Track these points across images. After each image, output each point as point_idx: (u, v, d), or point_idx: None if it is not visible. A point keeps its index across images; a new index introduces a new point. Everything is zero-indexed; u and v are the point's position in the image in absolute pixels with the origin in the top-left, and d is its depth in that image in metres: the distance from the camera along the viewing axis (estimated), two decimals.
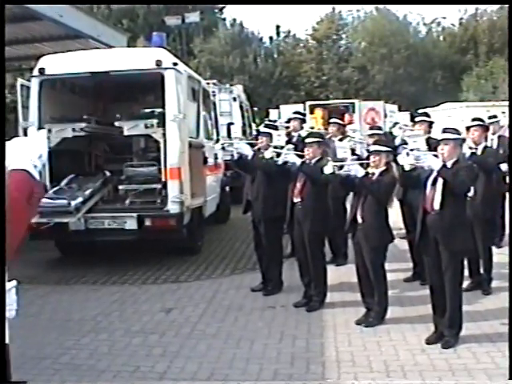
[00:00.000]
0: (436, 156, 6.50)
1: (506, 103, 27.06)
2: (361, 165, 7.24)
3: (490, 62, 46.45)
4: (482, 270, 8.58)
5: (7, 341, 2.46)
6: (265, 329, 7.24)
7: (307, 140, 8.09)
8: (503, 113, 19.77)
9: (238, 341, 6.86)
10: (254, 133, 16.79)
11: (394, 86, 46.98)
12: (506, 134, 10.82)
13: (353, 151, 8.17)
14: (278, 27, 54.15)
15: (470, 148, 8.21)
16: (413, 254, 9.17)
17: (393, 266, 8.72)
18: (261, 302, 8.35)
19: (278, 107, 27.53)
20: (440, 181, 6.40)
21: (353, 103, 29.21)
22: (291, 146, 8.44)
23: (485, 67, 46.20)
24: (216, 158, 13.34)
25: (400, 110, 28.76)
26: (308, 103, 28.42)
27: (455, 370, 5.91)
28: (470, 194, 7.27)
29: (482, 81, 45.11)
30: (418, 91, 45.86)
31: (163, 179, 10.28)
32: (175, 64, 10.29)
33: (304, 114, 13.35)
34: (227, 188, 14.88)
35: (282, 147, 8.37)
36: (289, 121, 11.71)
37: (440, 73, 48.46)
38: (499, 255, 9.27)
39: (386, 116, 27.41)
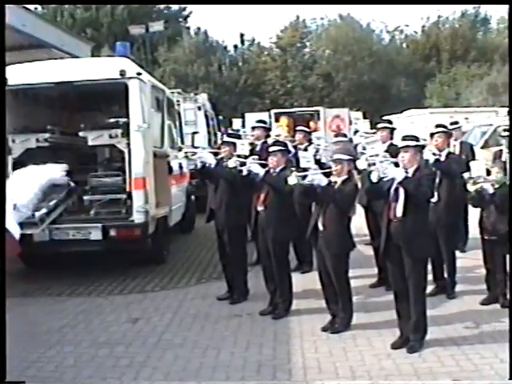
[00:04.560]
0: (397, 164, 6.58)
1: (469, 109, 27.51)
2: (324, 173, 7.29)
3: (452, 68, 47.02)
4: (445, 275, 8.66)
5: None
6: (231, 337, 7.25)
7: (271, 149, 8.11)
8: (466, 119, 20.04)
9: (205, 350, 6.86)
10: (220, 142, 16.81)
11: (358, 93, 47.32)
12: (469, 139, 10.98)
13: (318, 161, 8.23)
14: (242, 35, 54.33)
15: (434, 154, 8.30)
16: (378, 259, 9.24)
17: (358, 272, 8.79)
18: (227, 311, 8.35)
19: (243, 115, 27.57)
20: (402, 190, 6.47)
21: (318, 111, 29.32)
22: (255, 156, 8.46)
23: (448, 74, 46.76)
24: (181, 167, 13.30)
25: (365, 117, 29.04)
26: (273, 111, 28.49)
27: (421, 374, 5.99)
28: (434, 199, 7.36)
29: (445, 87, 45.66)
30: (382, 98, 46.33)
31: (128, 189, 10.23)
32: (139, 74, 10.26)
33: (267, 122, 13.38)
34: (192, 197, 14.85)
35: (245, 156, 8.40)
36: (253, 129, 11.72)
37: (403, 80, 48.90)
38: (462, 259, 9.37)
39: (350, 123, 27.58)
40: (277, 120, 26.47)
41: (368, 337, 7.04)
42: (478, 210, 8.17)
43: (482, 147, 18.46)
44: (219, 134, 20.16)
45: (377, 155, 6.61)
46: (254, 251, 10.15)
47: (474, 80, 43.77)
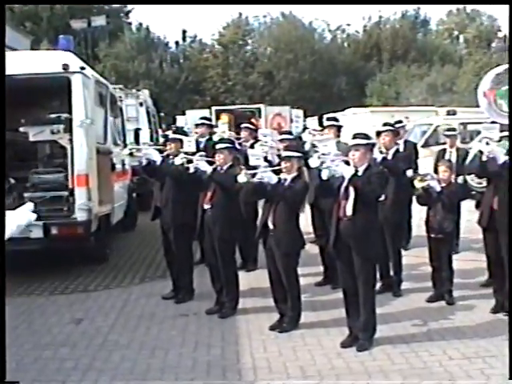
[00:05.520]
0: (347, 162, 6.56)
1: (410, 108, 27.87)
2: (273, 171, 7.24)
3: (392, 68, 47.68)
4: (391, 273, 8.70)
5: None
6: (179, 337, 7.14)
7: (218, 146, 8.01)
8: (406, 118, 20.23)
9: (152, 350, 6.74)
10: (162, 139, 16.62)
11: (299, 92, 47.57)
12: (411, 137, 11.07)
13: (265, 158, 8.16)
14: (184, 32, 54.13)
15: (381, 153, 8.32)
16: (324, 258, 9.24)
17: (303, 270, 8.71)
18: (173, 310, 8.23)
19: (184, 113, 27.39)
20: (352, 188, 6.45)
21: (259, 108, 29.38)
22: (203, 153, 8.35)
23: (388, 73, 47.41)
24: (123, 164, 13.09)
25: (305, 115, 29.17)
26: (214, 108, 28.43)
27: (371, 372, 5.99)
28: (381, 198, 7.37)
29: (385, 86, 46.32)
30: (323, 96, 46.68)
31: (70, 186, 10.00)
32: (83, 68, 10.04)
33: (211, 120, 13.27)
34: (134, 194, 14.64)
35: (192, 153, 8.28)
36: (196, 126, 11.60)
37: (344, 79, 49.38)
38: (407, 257, 9.42)
39: (291, 121, 27.67)
40: (217, 117, 26.41)
41: (317, 336, 7.02)
42: (420, 208, 8.23)
43: (423, 146, 18.72)
44: (160, 131, 19.99)
45: (329, 153, 6.55)
46: (197, 250, 10.03)
47: (413, 80, 44.54)
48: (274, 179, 7.14)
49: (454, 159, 10.46)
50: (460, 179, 8.53)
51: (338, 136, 8.87)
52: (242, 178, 7.03)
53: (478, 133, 17.87)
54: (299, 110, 30.21)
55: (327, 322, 7.46)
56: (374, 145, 7.15)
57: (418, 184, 7.86)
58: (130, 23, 54.00)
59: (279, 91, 48.60)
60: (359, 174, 6.49)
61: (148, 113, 18.85)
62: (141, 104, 18.41)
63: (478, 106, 18.98)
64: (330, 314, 7.71)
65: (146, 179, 10.76)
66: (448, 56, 50.72)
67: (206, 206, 7.93)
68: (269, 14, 54.26)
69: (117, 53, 47.27)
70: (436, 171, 8.13)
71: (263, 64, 50.54)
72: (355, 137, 6.71)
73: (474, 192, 10.07)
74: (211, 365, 6.27)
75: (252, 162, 7.51)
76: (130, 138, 14.35)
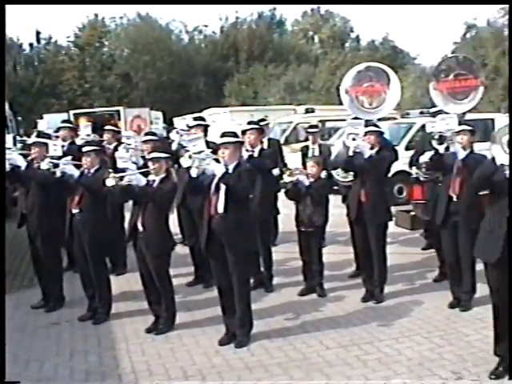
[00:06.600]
0: (218, 160, 6.60)
1: (269, 107, 28.30)
2: (141, 173, 7.18)
3: (250, 68, 48.24)
4: (262, 269, 8.81)
5: None
6: (53, 347, 6.95)
7: (84, 149, 7.86)
8: (266, 117, 20.55)
9: (27, 362, 6.54)
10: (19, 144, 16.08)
11: (157, 93, 47.29)
12: (271, 135, 11.21)
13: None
14: (38, 33, 52.45)
15: (247, 151, 8.41)
16: (194, 257, 9.25)
17: (174, 271, 8.72)
18: (44, 320, 8.00)
19: (41, 117, 26.64)
20: (223, 185, 6.50)
21: (118, 110, 28.96)
22: (69, 157, 8.14)
23: (245, 74, 47.92)
24: None
25: (165, 116, 29.13)
26: (72, 112, 27.82)
27: (252, 367, 6.08)
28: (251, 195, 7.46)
29: (243, 86, 46.77)
30: (182, 97, 46.64)
31: None
32: None
33: (73, 123, 13.01)
34: None
35: (58, 157, 8.08)
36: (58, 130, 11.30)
37: (203, 79, 49.50)
38: (276, 253, 9.55)
39: (151, 123, 27.50)
40: (76, 121, 25.82)
41: (194, 335, 7.05)
42: (285, 205, 8.38)
43: (284, 143, 19.04)
44: (18, 136, 19.32)
45: (200, 152, 6.57)
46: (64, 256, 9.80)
47: (271, 79, 45.28)
48: (142, 181, 7.11)
49: (316, 155, 10.72)
50: (323, 174, 8.74)
51: (206, 135, 8.91)
52: (110, 181, 6.92)
53: (337, 129, 18.55)
54: (158, 112, 30.04)
55: (203, 322, 7.49)
56: (242, 143, 7.24)
57: (287, 178, 8.02)
58: None
59: (137, 93, 48.08)
60: (230, 171, 6.55)
61: (5, 117, 18.20)
62: None
63: (334, 104, 19.51)
64: (205, 313, 7.76)
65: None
66: (304, 56, 51.86)
67: (75, 211, 7.76)
68: (125, 15, 53.68)
69: None
70: (304, 166, 8.31)
71: (120, 66, 49.82)
72: (224, 135, 6.76)
73: (337, 187, 10.37)
74: (90, 372, 6.17)
75: (120, 165, 7.43)
76: None
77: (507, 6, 40.19)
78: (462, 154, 7.37)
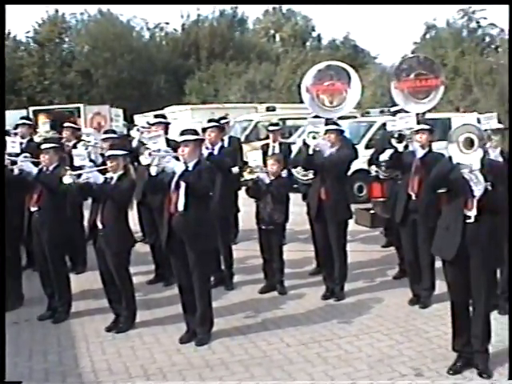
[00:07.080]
0: (177, 158, 6.58)
1: (230, 105, 28.26)
2: (99, 171, 7.13)
3: (211, 66, 48.11)
4: (222, 267, 8.81)
5: None
6: (12, 347, 6.76)
7: (43, 146, 7.77)
8: (227, 114, 20.55)
9: None
10: None
11: (117, 90, 46.89)
12: (232, 133, 11.17)
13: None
14: None
15: (207, 148, 8.40)
16: (154, 255, 9.21)
17: (134, 269, 8.67)
18: None
19: None
20: (183, 183, 6.48)
21: (78, 108, 28.76)
22: (27, 154, 8.04)
23: (206, 71, 47.78)
24: None
25: (125, 113, 28.98)
26: (31, 108, 27.57)
27: (213, 365, 6.09)
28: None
29: (204, 84, 46.65)
30: (142, 95, 46.34)
31: None
32: None
33: (32, 120, 12.88)
34: None
35: (16, 155, 7.98)
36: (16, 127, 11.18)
37: (163, 77, 49.16)
38: (236, 251, 9.55)
39: (111, 120, 27.35)
40: (35, 118, 25.60)
41: (154, 334, 7.02)
42: (245, 203, 8.38)
43: (244, 142, 19.05)
44: None
45: (160, 150, 6.54)
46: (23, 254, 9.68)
47: (232, 77, 45.21)
48: (100, 179, 7.07)
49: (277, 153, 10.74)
50: (284, 172, 8.77)
51: (167, 133, 8.87)
52: (67, 179, 6.86)
53: (297, 128, 18.61)
54: (119, 109, 29.89)
55: (163, 320, 7.47)
56: (202, 140, 7.23)
57: (247, 176, 8.03)
58: None
59: (97, 90, 47.65)
60: (190, 169, 6.53)
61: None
62: None
63: (295, 102, 19.52)
64: (165, 311, 7.74)
65: None
66: (265, 54, 51.85)
67: (33, 209, 7.66)
68: (86, 11, 53.05)
69: None
70: (265, 164, 8.32)
71: (80, 62, 49.27)
72: (184, 133, 6.73)
73: (297, 185, 10.41)
74: (49, 372, 6.11)
75: (77, 163, 7.36)
76: None
77: (467, 6, 40.89)
78: (420, 153, 7.46)
